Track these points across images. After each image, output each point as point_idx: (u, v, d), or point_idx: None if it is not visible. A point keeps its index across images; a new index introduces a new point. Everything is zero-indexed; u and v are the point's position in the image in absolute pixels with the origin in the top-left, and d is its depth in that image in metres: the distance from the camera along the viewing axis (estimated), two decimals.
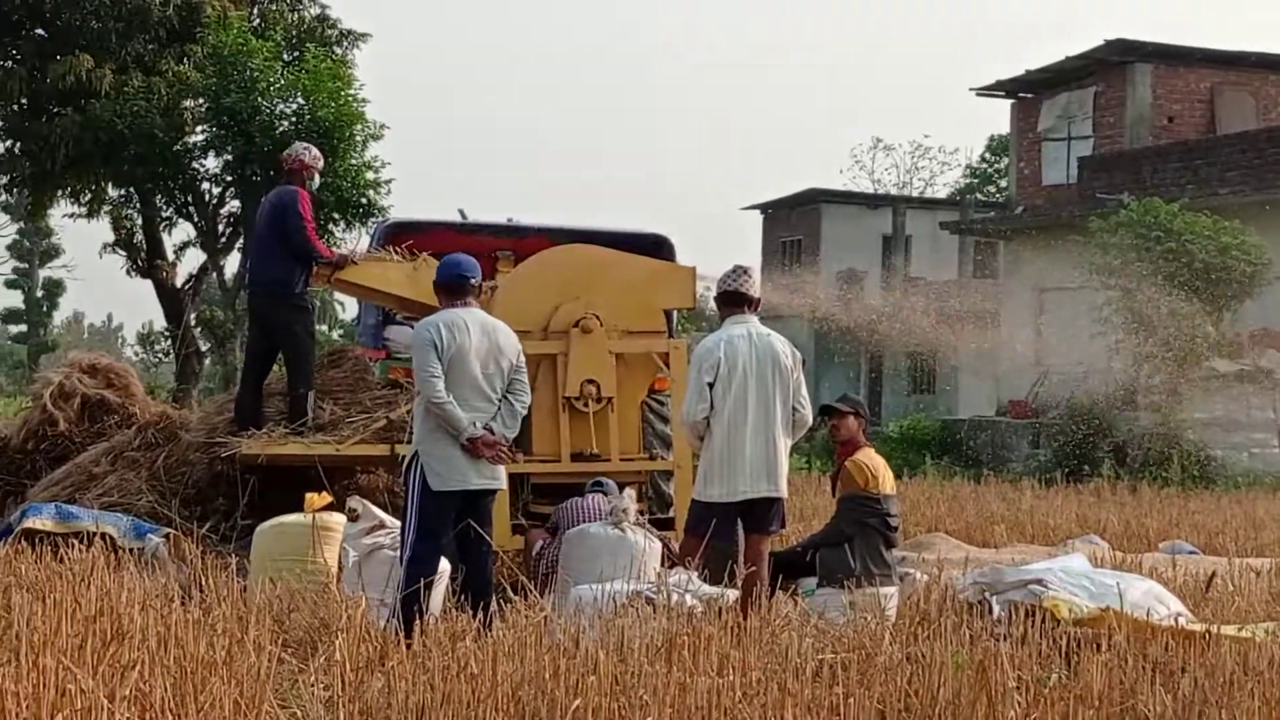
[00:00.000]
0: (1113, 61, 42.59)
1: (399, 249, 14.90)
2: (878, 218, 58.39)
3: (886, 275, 54.40)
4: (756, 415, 11.36)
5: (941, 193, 75.86)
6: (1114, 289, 34.62)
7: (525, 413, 11.19)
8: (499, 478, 10.97)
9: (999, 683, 7.44)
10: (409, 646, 8.67)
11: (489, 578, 10.92)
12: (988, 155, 77.92)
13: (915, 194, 73.75)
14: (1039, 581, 10.78)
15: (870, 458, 12.33)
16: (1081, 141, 43.78)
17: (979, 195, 70.88)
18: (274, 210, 14.75)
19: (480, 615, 9.69)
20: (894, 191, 72.14)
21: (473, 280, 11.07)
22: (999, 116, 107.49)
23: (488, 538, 10.84)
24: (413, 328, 13.25)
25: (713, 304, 12.66)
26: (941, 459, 36.53)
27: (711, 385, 11.38)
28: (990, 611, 10.56)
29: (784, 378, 11.46)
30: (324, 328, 71.07)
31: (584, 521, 12.64)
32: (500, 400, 10.88)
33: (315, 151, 15.32)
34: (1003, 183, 68.01)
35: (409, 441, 11.79)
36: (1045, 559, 13.16)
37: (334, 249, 15.68)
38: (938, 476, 31.43)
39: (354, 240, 36.80)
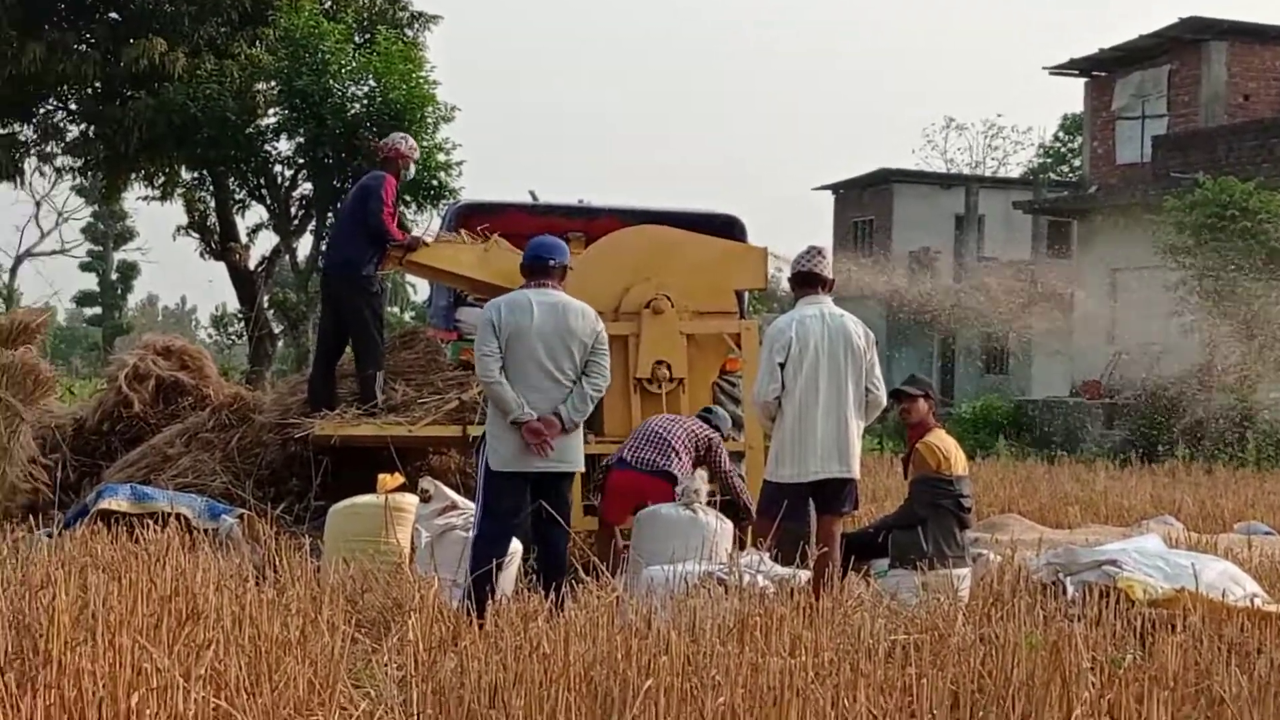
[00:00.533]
0: (1187, 39, 42.23)
1: (471, 231, 14.94)
2: (950, 197, 58.15)
3: (959, 255, 54.21)
4: (828, 396, 11.35)
5: (1015, 172, 75.44)
6: (1189, 268, 34.40)
7: (600, 395, 11.14)
8: (566, 460, 10.87)
9: (1073, 664, 7.41)
10: (481, 626, 8.70)
11: (563, 559, 10.92)
12: (1061, 134, 77.52)
13: (988, 173, 73.39)
14: (1113, 562, 10.72)
15: (942, 439, 12.32)
16: (1156, 120, 43.44)
17: (1052, 174, 70.43)
18: (358, 193, 14.87)
19: (553, 596, 9.70)
20: (967, 171, 71.85)
21: (552, 262, 11.05)
22: (1072, 95, 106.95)
23: (561, 520, 10.83)
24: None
25: (784, 284, 12.67)
26: (1015, 440, 36.38)
27: (783, 365, 11.39)
28: (1064, 592, 10.52)
29: (856, 358, 11.44)
30: (396, 310, 71.32)
31: (668, 430, 12.84)
32: (574, 382, 10.84)
33: (412, 142, 15.45)
34: (1076, 162, 67.60)
35: (480, 422, 11.82)
36: (1119, 540, 13.08)
37: (407, 232, 15.70)
38: (1011, 457, 31.30)
39: (426, 223, 36.98)
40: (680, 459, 12.80)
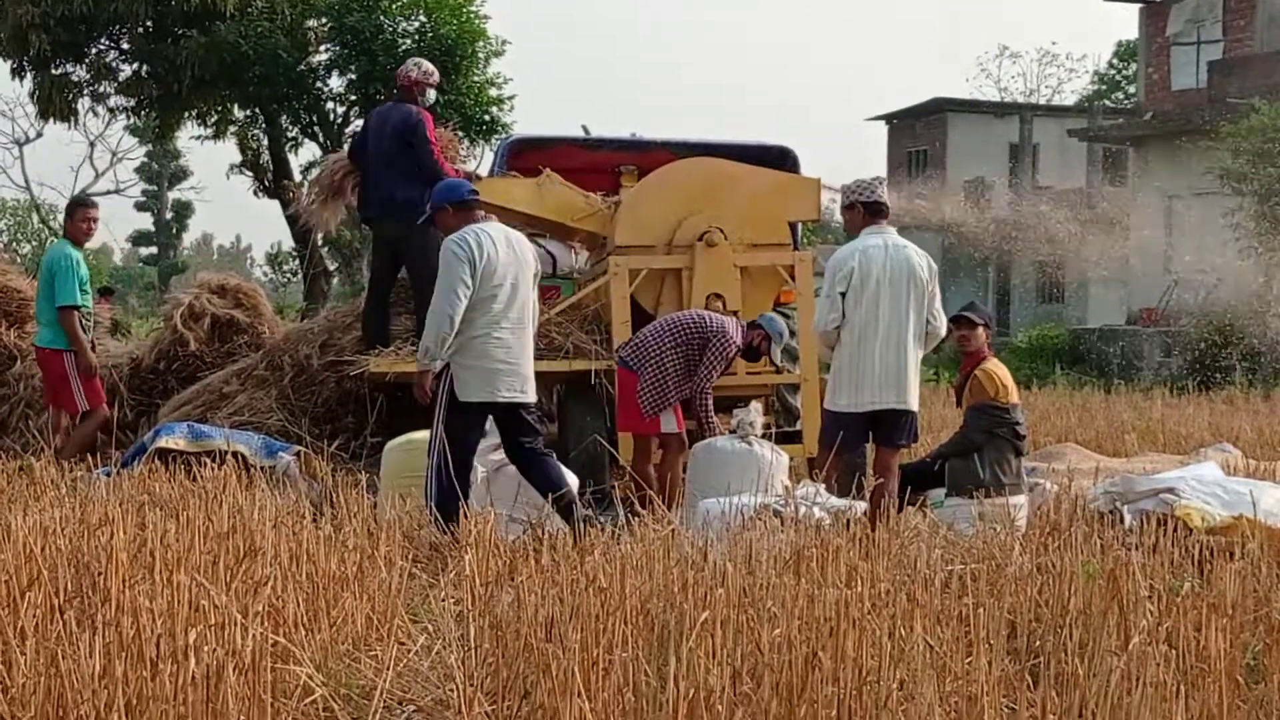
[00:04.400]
0: None
1: (523, 166, 14.92)
2: (1005, 126, 57.93)
3: (1014, 184, 53.97)
4: (888, 326, 11.32)
5: (1069, 100, 75.04)
6: (1245, 194, 34.18)
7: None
8: (526, 392, 10.89)
9: (1131, 592, 7.38)
10: (455, 539, 8.86)
11: (558, 479, 10.84)
12: (1115, 61, 77.09)
13: (1042, 102, 73.01)
14: (1171, 490, 10.67)
15: (999, 367, 12.29)
16: (1211, 45, 43.05)
17: (1107, 102, 69.89)
18: (398, 132, 14.48)
19: (572, 518, 9.88)
20: (1021, 99, 71.46)
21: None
22: (1127, 22, 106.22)
23: (536, 443, 10.90)
24: (537, 245, 13.31)
25: (838, 216, 12.60)
26: (1071, 368, 36.26)
27: (844, 295, 11.35)
28: (1121, 521, 10.48)
29: (919, 289, 11.40)
30: None
31: (662, 325, 12.73)
32: (531, 319, 10.96)
33: (426, 66, 15.02)
34: (1131, 89, 67.23)
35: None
36: (1177, 468, 13.03)
37: (459, 168, 15.44)
38: (1068, 386, 31.18)
39: (479, 159, 36.93)
40: (658, 355, 12.62)
